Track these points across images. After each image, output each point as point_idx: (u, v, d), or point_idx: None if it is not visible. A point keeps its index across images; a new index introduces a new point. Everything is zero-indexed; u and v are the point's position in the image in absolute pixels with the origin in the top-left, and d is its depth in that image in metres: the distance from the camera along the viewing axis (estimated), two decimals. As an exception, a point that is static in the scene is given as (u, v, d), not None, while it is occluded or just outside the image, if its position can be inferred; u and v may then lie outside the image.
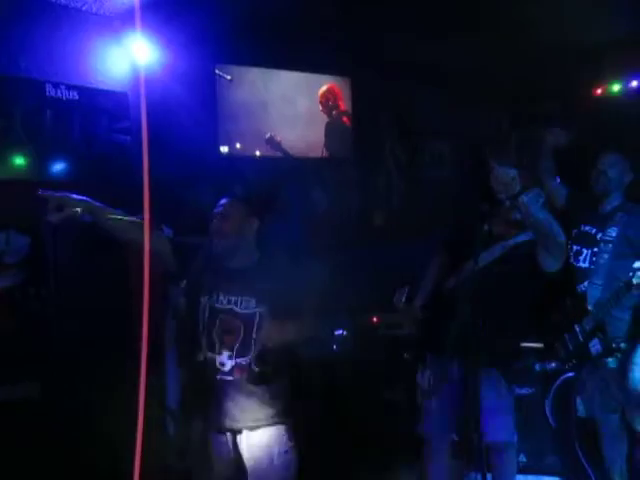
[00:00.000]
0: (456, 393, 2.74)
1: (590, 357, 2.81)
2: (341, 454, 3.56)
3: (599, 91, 4.48)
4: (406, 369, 3.72)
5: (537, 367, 3.27)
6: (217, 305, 2.34)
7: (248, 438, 2.33)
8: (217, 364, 2.30)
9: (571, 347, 2.86)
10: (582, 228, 3.00)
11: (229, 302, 2.33)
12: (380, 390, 3.89)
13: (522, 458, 3.35)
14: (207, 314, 2.34)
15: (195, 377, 2.44)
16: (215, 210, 2.41)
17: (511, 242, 2.80)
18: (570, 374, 3.13)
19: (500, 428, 2.78)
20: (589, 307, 2.83)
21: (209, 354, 2.33)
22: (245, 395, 2.30)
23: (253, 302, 2.32)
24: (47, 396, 2.71)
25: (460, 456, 2.96)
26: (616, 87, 4.42)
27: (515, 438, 2.87)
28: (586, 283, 2.91)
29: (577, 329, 2.83)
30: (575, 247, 3.01)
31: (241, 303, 2.33)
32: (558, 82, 4.34)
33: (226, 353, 2.30)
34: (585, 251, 2.96)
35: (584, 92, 4.50)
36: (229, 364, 2.30)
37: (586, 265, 2.94)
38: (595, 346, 2.78)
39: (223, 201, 2.42)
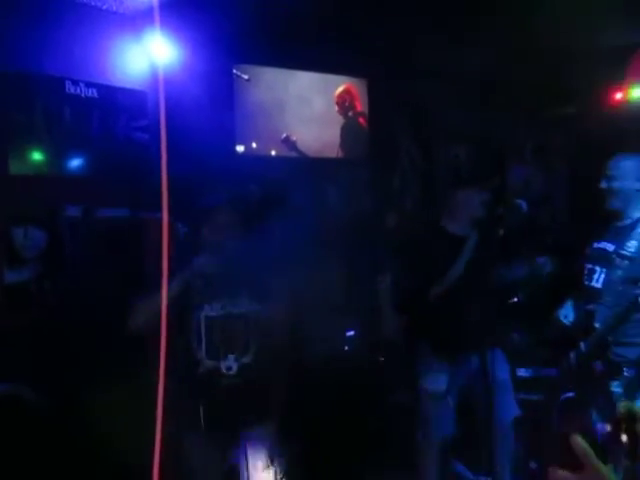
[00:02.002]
0: (475, 384, 2.83)
1: (592, 378, 2.60)
2: (348, 455, 3.57)
3: (619, 96, 4.44)
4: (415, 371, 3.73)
5: (543, 372, 3.26)
6: (212, 313, 2.34)
7: (251, 435, 2.37)
8: (223, 370, 2.31)
9: (574, 365, 2.66)
10: (596, 245, 2.71)
11: (223, 307, 2.35)
12: (390, 391, 3.88)
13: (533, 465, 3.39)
14: (203, 325, 2.33)
15: (196, 389, 2.36)
16: (201, 218, 2.43)
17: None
18: (570, 394, 2.95)
19: (512, 404, 2.95)
20: (596, 325, 2.60)
21: (211, 363, 2.32)
22: (250, 394, 2.33)
23: (246, 301, 2.36)
24: (60, 390, 2.74)
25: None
26: (636, 92, 4.38)
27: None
28: (596, 304, 2.63)
29: (582, 346, 2.62)
30: (588, 266, 2.71)
31: (235, 304, 2.35)
32: (577, 86, 4.31)
33: (231, 356, 2.32)
34: (599, 269, 2.66)
35: (603, 97, 4.46)
36: (235, 366, 2.32)
37: (599, 285, 2.64)
38: (598, 367, 2.57)
39: (209, 208, 2.44)
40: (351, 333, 3.94)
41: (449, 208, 2.94)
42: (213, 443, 2.33)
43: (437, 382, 2.93)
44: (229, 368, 2.32)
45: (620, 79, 4.34)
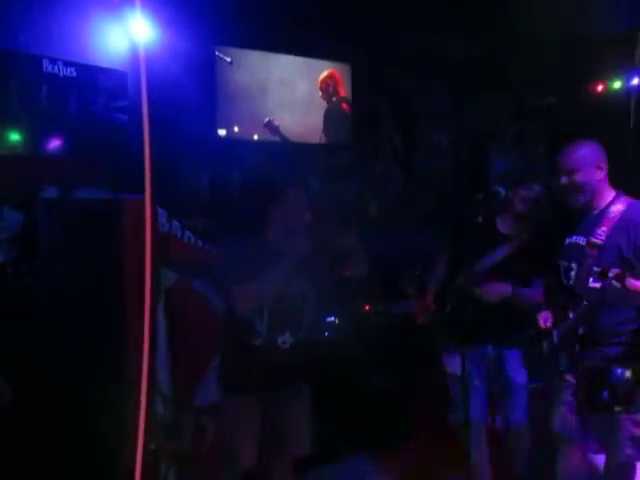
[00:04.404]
0: (489, 376, 2.94)
1: (557, 370, 2.53)
2: (333, 440, 3.60)
3: (600, 88, 4.47)
4: (398, 356, 3.77)
5: None
6: (278, 290, 2.54)
7: (293, 394, 2.66)
8: (279, 343, 2.56)
9: (545, 355, 2.58)
10: (569, 241, 2.56)
11: (286, 285, 2.57)
12: (370, 376, 3.91)
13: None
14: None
15: (248, 359, 2.57)
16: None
17: (516, 242, 2.94)
18: (537, 383, 2.99)
19: (524, 407, 3.00)
20: (570, 316, 2.46)
21: (270, 335, 2.55)
22: (294, 365, 2.59)
23: (302, 283, 2.60)
24: (34, 375, 2.70)
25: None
26: (617, 84, 4.42)
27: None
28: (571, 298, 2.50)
29: (554, 336, 2.52)
30: (563, 264, 2.57)
31: (294, 284, 2.58)
32: (559, 76, 4.33)
33: (288, 332, 2.57)
34: (575, 266, 2.50)
35: (584, 88, 4.50)
36: (290, 341, 2.57)
37: (572, 282, 2.52)
38: (562, 359, 2.49)
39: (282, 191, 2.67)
40: (331, 319, 3.95)
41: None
42: (255, 406, 2.57)
43: (452, 364, 2.97)
44: (284, 342, 2.56)
45: (602, 69, 4.38)
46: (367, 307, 4.10)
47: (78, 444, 2.63)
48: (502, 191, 2.78)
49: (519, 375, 2.97)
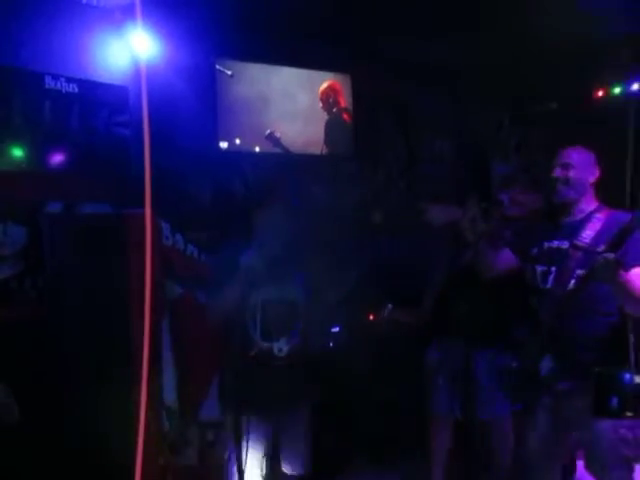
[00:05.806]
0: (461, 371, 2.96)
1: (540, 380, 2.39)
2: (338, 452, 3.59)
3: (600, 93, 4.48)
4: (400, 366, 3.75)
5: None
6: (268, 297, 2.53)
7: (292, 413, 2.59)
8: (275, 351, 2.49)
9: (521, 372, 2.45)
10: (547, 245, 2.52)
11: (278, 291, 2.55)
12: (375, 387, 3.89)
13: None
14: (260, 307, 2.49)
15: (246, 370, 2.53)
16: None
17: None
18: (518, 406, 2.84)
19: (497, 402, 2.99)
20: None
21: (265, 344, 2.49)
22: (293, 375, 2.54)
23: (296, 287, 2.57)
24: (39, 389, 2.70)
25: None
26: (617, 89, 4.42)
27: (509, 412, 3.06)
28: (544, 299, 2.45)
29: (530, 349, 2.42)
30: (540, 268, 2.51)
31: (287, 290, 2.56)
32: (559, 83, 4.34)
33: (283, 339, 2.50)
34: (554, 269, 2.46)
35: (585, 93, 4.50)
36: (286, 349, 2.51)
37: (550, 285, 2.47)
38: (546, 364, 2.36)
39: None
40: (336, 329, 3.93)
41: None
42: (260, 419, 2.51)
43: (430, 358, 3.16)
44: (280, 350, 2.50)
45: (603, 74, 4.39)
46: (372, 317, 4.08)
47: (84, 461, 2.62)
48: (505, 199, 2.80)
49: (484, 376, 2.98)
